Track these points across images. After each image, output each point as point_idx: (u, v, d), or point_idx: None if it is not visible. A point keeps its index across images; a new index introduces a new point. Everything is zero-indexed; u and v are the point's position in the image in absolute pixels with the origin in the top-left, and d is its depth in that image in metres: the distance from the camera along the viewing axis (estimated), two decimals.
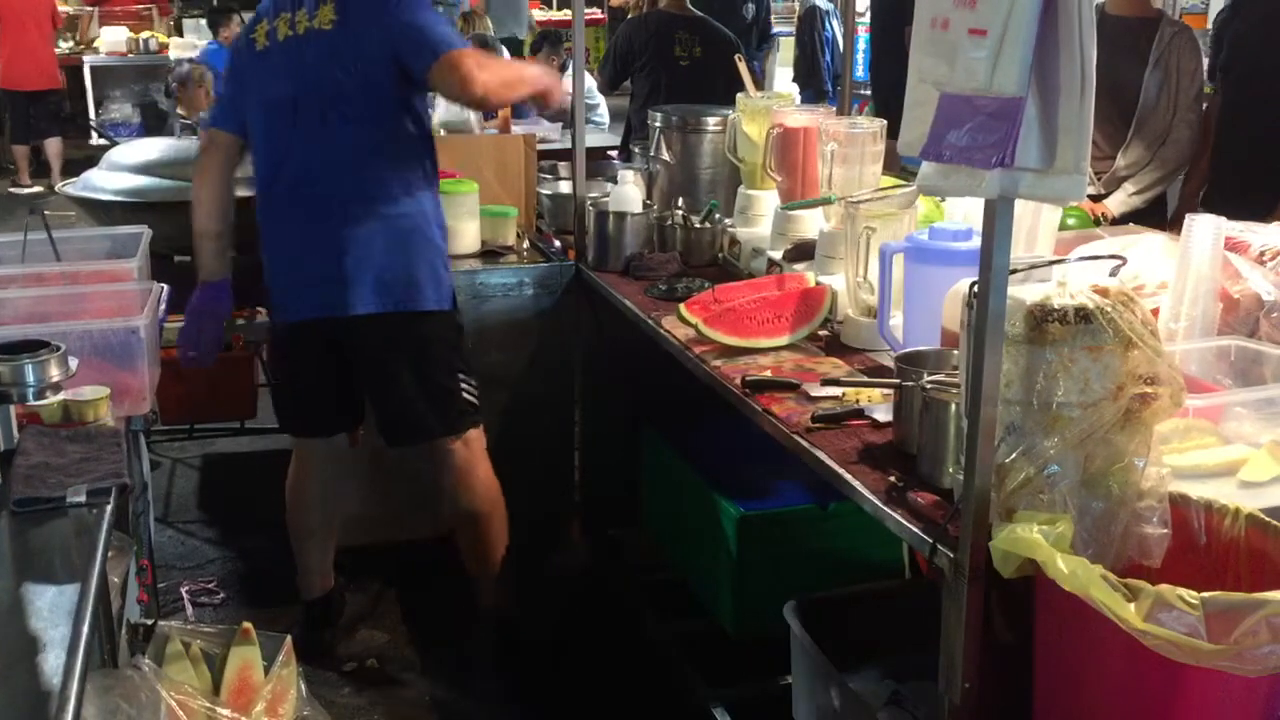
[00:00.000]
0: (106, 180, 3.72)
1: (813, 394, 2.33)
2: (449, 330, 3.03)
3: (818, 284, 2.74)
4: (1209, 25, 6.91)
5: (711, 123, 3.58)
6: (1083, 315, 1.63)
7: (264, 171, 3.00)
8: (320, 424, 3.16)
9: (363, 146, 2.88)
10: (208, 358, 3.06)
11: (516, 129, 5.28)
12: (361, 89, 2.85)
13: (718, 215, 3.38)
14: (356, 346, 2.98)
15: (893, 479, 1.95)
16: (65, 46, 10.63)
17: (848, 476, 2.01)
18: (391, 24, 2.82)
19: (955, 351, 1.91)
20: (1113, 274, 1.81)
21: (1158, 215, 3.83)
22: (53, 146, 10.03)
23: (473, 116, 4.69)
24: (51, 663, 1.39)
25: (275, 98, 2.92)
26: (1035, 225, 2.50)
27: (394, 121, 2.90)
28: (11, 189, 9.71)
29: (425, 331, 2.97)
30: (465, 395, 3.04)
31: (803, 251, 2.96)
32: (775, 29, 10.40)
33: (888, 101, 7.08)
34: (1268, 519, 1.69)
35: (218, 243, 3.04)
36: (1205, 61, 4.04)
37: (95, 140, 9.68)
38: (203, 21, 10.22)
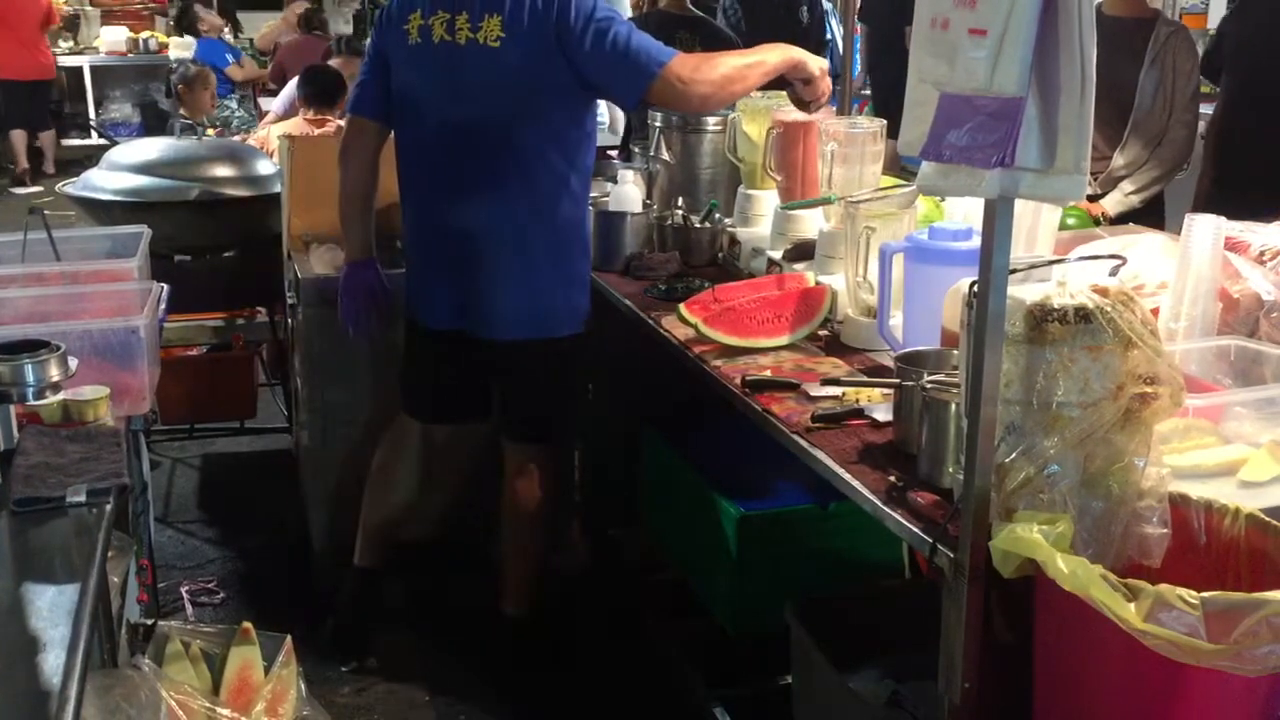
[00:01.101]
0: (106, 180, 3.72)
1: (813, 394, 2.33)
2: (580, 352, 3.05)
3: (818, 284, 2.74)
4: (1208, 25, 6.91)
5: (711, 123, 3.57)
6: (1083, 315, 1.63)
7: (412, 176, 2.99)
8: (448, 413, 3.20)
9: (513, 169, 2.83)
10: (365, 328, 3.17)
11: None
12: (521, 109, 2.79)
13: (718, 215, 3.38)
14: (491, 359, 3.01)
15: (893, 479, 1.95)
16: (65, 46, 10.64)
17: (848, 476, 2.01)
18: (585, 53, 2.71)
19: (955, 351, 1.91)
20: (1113, 274, 1.81)
21: (1155, 215, 3.83)
22: (46, 138, 10.06)
23: None
24: (51, 663, 1.39)
25: (426, 103, 2.87)
26: (1035, 225, 2.50)
27: (550, 142, 2.84)
28: (12, 189, 9.72)
29: (559, 355, 3.00)
30: (571, 414, 3.15)
31: (803, 251, 2.96)
32: None
33: (887, 101, 7.10)
34: (1268, 519, 1.69)
35: (362, 226, 3.10)
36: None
37: (95, 140, 9.69)
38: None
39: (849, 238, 2.61)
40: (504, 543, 3.22)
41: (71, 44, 10.77)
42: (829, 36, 8.38)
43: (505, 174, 2.85)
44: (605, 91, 2.86)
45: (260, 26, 10.58)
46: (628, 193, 3.40)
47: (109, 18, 11.03)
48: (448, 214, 2.92)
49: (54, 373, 2.04)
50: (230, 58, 9.21)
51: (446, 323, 3.01)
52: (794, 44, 2.97)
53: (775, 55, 2.85)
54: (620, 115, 6.44)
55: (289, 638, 2.34)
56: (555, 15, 2.73)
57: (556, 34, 2.73)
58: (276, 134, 4.71)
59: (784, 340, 2.63)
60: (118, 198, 3.62)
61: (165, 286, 2.72)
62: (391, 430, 3.28)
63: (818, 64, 2.89)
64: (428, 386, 3.17)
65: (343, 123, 3.38)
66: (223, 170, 3.84)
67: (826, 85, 2.91)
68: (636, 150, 4.20)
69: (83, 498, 1.80)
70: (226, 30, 9.46)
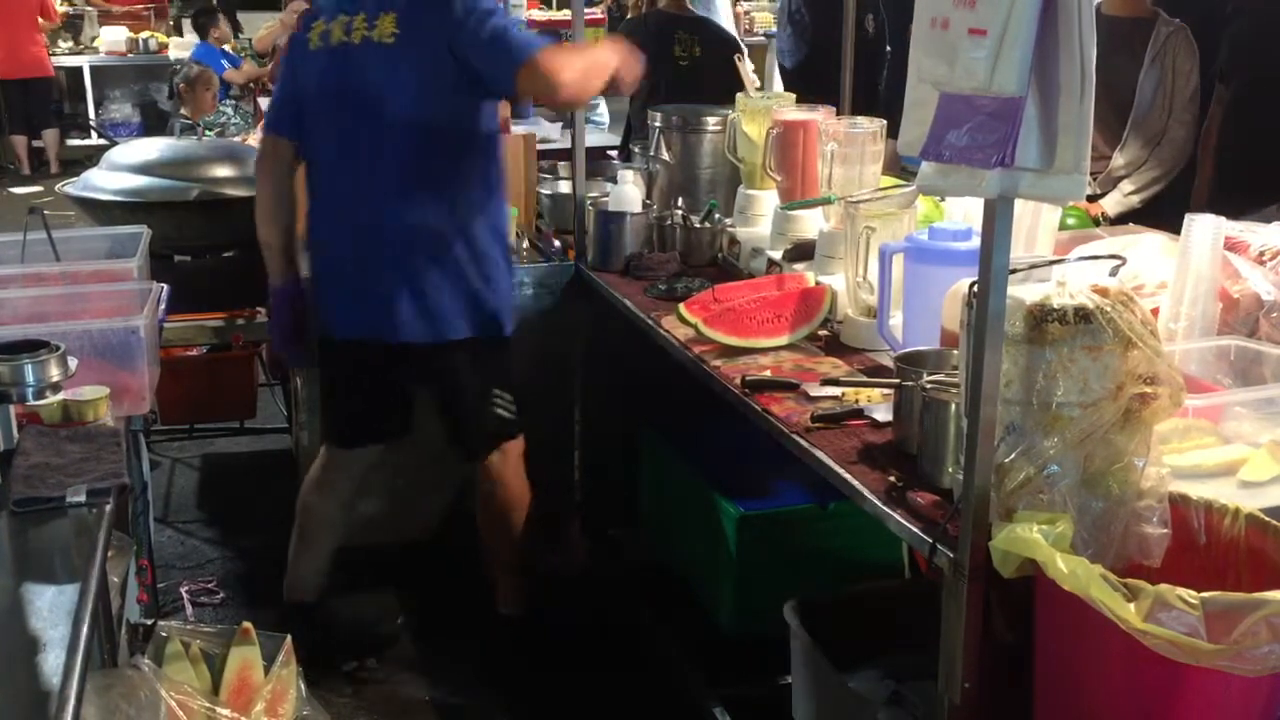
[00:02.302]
0: (106, 180, 3.72)
1: (812, 394, 2.33)
2: (500, 355, 3.04)
3: (817, 284, 2.74)
4: None
5: (711, 122, 3.57)
6: (1082, 315, 1.63)
7: (316, 180, 2.97)
8: (363, 435, 3.15)
9: (414, 167, 2.82)
10: (300, 356, 3.15)
11: (516, 129, 5.28)
12: (418, 106, 2.80)
13: (717, 215, 3.38)
14: (410, 367, 2.98)
15: (893, 479, 1.95)
16: (65, 46, 10.64)
17: (848, 476, 2.01)
18: (464, 42, 2.75)
19: (955, 351, 1.90)
20: (1112, 274, 1.81)
21: (1154, 215, 3.83)
22: (49, 138, 10.06)
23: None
24: (51, 663, 1.39)
25: (327, 105, 2.87)
26: (1035, 225, 2.50)
27: (451, 139, 2.84)
28: (12, 189, 9.72)
29: (473, 361, 2.97)
30: (502, 414, 3.07)
31: (802, 251, 2.96)
32: (774, 29, 10.39)
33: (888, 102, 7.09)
34: (1267, 519, 1.69)
35: (280, 252, 3.02)
36: None
37: (95, 140, 9.69)
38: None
39: (849, 238, 2.61)
40: (488, 549, 3.24)
41: (71, 44, 10.77)
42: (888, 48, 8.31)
43: (408, 172, 2.83)
44: (481, 79, 2.80)
45: (259, 27, 10.58)
46: (628, 193, 3.40)
47: (106, 18, 11.02)
48: (356, 217, 2.89)
49: (54, 373, 2.04)
50: (226, 64, 9.22)
51: (354, 330, 2.95)
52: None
53: (613, 54, 2.89)
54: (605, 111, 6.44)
55: (289, 638, 2.34)
56: (445, 8, 2.77)
57: (446, 25, 2.76)
58: None
59: (784, 340, 2.63)
60: (117, 198, 3.61)
61: (165, 286, 2.72)
62: (314, 471, 3.21)
63: (633, 69, 2.92)
64: (347, 406, 3.12)
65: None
66: (223, 170, 3.83)
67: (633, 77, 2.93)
68: (636, 150, 4.20)
69: (83, 498, 1.80)
70: (228, 46, 9.48)
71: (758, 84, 3.65)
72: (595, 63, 2.84)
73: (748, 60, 4.26)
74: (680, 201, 3.47)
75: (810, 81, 5.34)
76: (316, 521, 3.18)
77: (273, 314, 3.11)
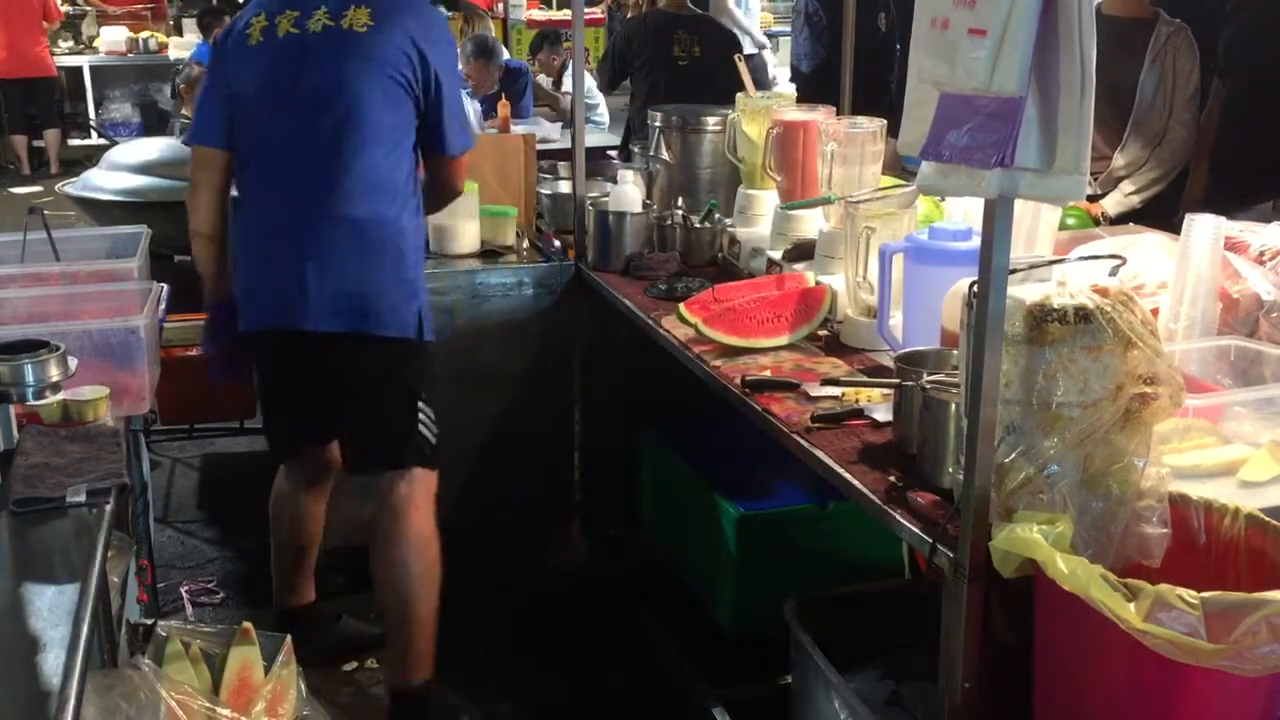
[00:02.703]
0: (106, 180, 3.73)
1: (812, 394, 2.33)
2: (415, 360, 2.82)
3: (817, 284, 2.74)
4: None
5: (711, 122, 3.58)
6: (1082, 315, 1.63)
7: (250, 179, 2.82)
8: (293, 439, 3.04)
9: (363, 158, 2.70)
10: (234, 374, 2.99)
11: (516, 129, 5.29)
12: (369, 104, 2.70)
13: (717, 215, 3.38)
14: (316, 361, 2.81)
15: (893, 479, 1.95)
16: (65, 46, 10.64)
17: (848, 476, 2.01)
18: (433, 72, 2.73)
19: (955, 351, 1.91)
20: (1113, 274, 1.81)
21: (1154, 215, 3.83)
22: (51, 138, 10.06)
23: (473, 116, 4.68)
24: (51, 663, 1.39)
25: (270, 99, 2.74)
26: (1035, 225, 2.50)
27: (398, 134, 2.75)
28: (12, 189, 9.73)
29: (386, 359, 2.78)
30: (421, 431, 2.82)
31: (802, 251, 2.96)
32: (774, 28, 10.40)
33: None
34: (1267, 519, 1.69)
35: (219, 265, 2.90)
36: None
37: (95, 140, 9.70)
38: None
39: (849, 238, 2.61)
40: (381, 598, 2.86)
41: (71, 44, 10.77)
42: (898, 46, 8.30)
43: (345, 165, 2.70)
44: (423, 130, 2.79)
45: None
46: (628, 193, 3.40)
47: (103, 19, 11.03)
48: (284, 211, 2.75)
49: (54, 373, 2.04)
50: None
51: (265, 320, 2.78)
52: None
53: None
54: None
55: (289, 638, 2.33)
56: (423, 26, 2.76)
57: (418, 39, 2.72)
58: None
59: (784, 340, 2.63)
60: (118, 198, 3.63)
61: (165, 286, 2.72)
62: (276, 481, 3.10)
63: None
64: (277, 407, 3.01)
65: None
66: None
67: None
68: (636, 150, 4.21)
69: (83, 498, 1.80)
70: None
71: (776, 81, 3.63)
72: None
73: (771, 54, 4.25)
74: (680, 201, 3.48)
75: (826, 86, 5.31)
76: (290, 529, 3.10)
77: (209, 335, 2.96)
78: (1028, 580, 1.64)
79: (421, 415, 2.83)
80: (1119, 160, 3.84)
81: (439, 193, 2.96)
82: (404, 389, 2.82)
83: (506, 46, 9.57)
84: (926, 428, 1.95)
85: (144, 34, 10.72)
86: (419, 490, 2.83)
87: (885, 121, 2.90)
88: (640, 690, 3.11)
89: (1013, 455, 1.67)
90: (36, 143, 10.21)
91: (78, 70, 10.59)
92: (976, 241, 1.99)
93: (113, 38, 10.65)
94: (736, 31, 6.70)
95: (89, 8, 11.06)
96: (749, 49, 7.23)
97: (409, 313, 2.78)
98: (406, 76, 2.72)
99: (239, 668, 2.41)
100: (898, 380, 2.07)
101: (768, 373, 2.46)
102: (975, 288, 1.65)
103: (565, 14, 10.82)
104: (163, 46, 10.62)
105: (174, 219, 3.21)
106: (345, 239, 2.71)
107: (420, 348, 2.82)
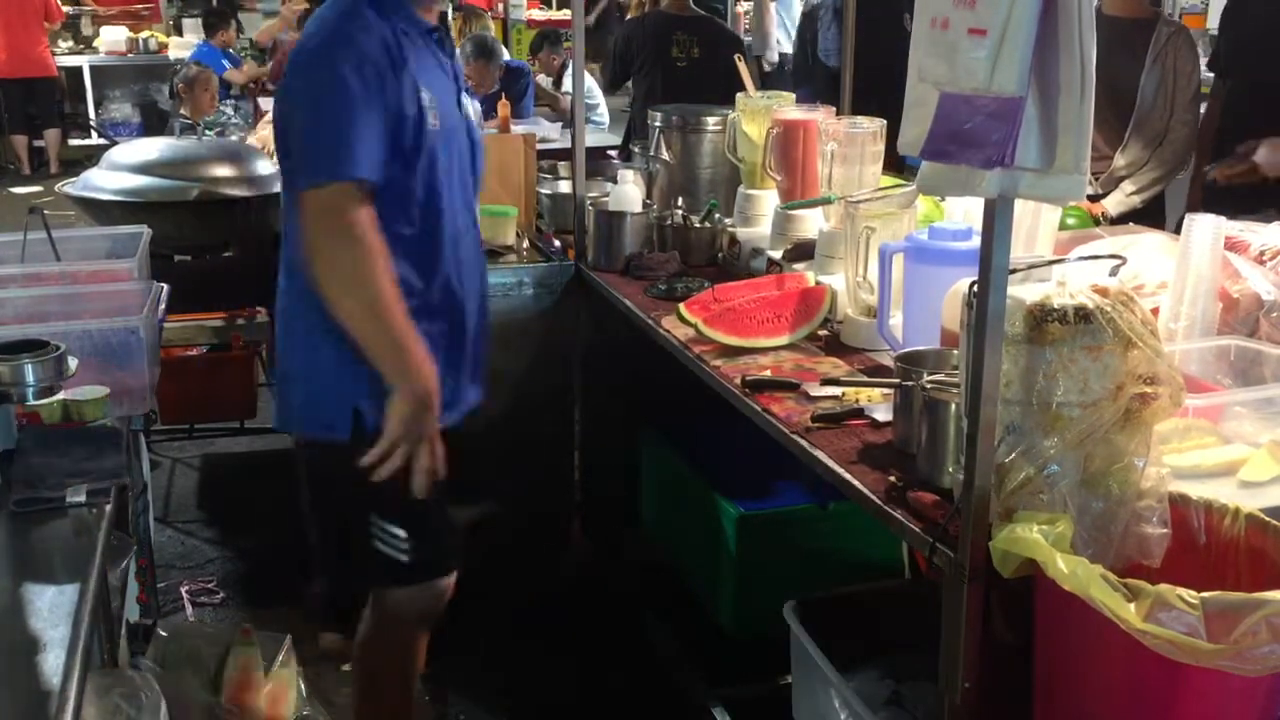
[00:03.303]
0: (106, 180, 3.72)
1: (812, 394, 2.33)
2: (348, 467, 2.20)
3: (817, 284, 2.74)
4: (1208, 25, 6.90)
5: (711, 122, 3.57)
6: (1082, 315, 1.63)
7: None
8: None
9: (293, 236, 2.24)
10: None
11: (516, 129, 5.29)
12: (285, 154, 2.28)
13: (717, 215, 3.38)
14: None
15: (893, 479, 1.95)
16: (65, 46, 10.65)
17: (848, 476, 2.01)
18: (285, 110, 2.26)
19: (955, 351, 1.90)
20: (1113, 274, 1.81)
21: (1155, 215, 3.83)
22: (51, 138, 10.06)
23: (473, 115, 4.67)
24: (51, 663, 1.39)
25: None
26: (1035, 225, 2.50)
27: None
28: (12, 189, 9.73)
29: (311, 466, 2.49)
30: (379, 549, 2.32)
31: (802, 251, 2.96)
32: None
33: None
34: (1267, 519, 1.69)
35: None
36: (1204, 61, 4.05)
37: (95, 140, 9.70)
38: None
39: (849, 238, 2.61)
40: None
41: (71, 44, 10.78)
42: None
43: (292, 237, 2.26)
44: (282, 156, 2.31)
45: (260, 25, 10.60)
46: (628, 193, 3.40)
47: (98, 19, 11.04)
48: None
49: (54, 373, 2.04)
50: (227, 64, 9.23)
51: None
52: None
53: (403, 356, 2.18)
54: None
55: (289, 638, 2.34)
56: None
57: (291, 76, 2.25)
58: None
59: (784, 340, 2.63)
60: (118, 198, 3.61)
61: (165, 286, 2.72)
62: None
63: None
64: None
65: None
66: (223, 170, 3.84)
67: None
68: (636, 150, 4.20)
69: (83, 498, 1.80)
70: (231, 49, 9.51)
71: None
72: (372, 286, 2.14)
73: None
74: (680, 201, 3.48)
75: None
76: None
77: None
78: (1028, 580, 1.64)
79: (376, 531, 2.31)
80: (1120, 160, 3.84)
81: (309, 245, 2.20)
82: (341, 501, 2.36)
83: (506, 46, 9.57)
84: (926, 428, 1.95)
85: (144, 34, 10.74)
86: (386, 617, 2.42)
87: (884, 121, 2.90)
88: (640, 690, 3.11)
89: (1013, 455, 1.66)
90: (37, 143, 10.22)
91: (78, 70, 10.60)
92: (976, 241, 1.99)
93: (112, 38, 10.67)
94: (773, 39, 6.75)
95: (85, 8, 11.07)
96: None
97: (332, 408, 2.25)
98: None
99: (239, 668, 2.42)
100: (898, 380, 2.07)
101: (768, 373, 2.46)
102: (975, 288, 1.65)
103: (565, 14, 10.83)
104: (163, 46, 10.63)
105: (174, 219, 3.21)
106: (289, 327, 2.35)
107: (360, 453, 2.19)
